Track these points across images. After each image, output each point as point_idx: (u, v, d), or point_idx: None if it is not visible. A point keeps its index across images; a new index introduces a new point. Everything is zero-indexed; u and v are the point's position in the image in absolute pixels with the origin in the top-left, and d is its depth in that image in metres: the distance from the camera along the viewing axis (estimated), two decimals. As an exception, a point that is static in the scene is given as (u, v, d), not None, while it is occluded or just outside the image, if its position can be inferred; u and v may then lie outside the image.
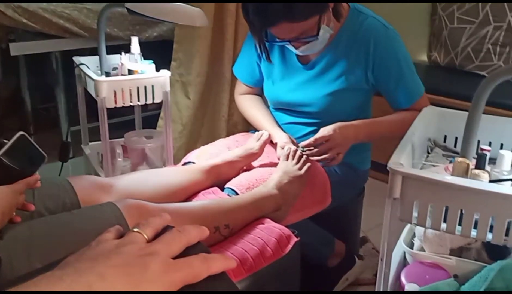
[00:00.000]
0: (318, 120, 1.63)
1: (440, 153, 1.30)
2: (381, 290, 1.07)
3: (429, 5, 2.87)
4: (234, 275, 1.10)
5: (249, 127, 1.83)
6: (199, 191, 1.41)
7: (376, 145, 1.80)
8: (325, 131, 1.45)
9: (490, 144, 1.27)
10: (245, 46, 1.76)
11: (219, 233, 1.19)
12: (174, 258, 0.57)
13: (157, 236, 0.60)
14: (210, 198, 1.37)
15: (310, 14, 1.37)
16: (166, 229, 0.62)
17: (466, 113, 1.04)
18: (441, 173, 1.10)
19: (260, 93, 1.81)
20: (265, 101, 1.81)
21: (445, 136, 1.33)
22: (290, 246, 1.24)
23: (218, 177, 1.46)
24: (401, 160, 0.99)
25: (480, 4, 2.57)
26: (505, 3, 2.49)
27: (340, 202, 1.69)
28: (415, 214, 0.98)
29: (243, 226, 1.26)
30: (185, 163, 1.58)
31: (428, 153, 1.31)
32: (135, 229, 0.59)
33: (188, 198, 1.39)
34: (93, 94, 1.66)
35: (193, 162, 1.54)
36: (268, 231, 1.25)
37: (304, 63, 1.61)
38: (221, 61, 2.44)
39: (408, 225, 1.38)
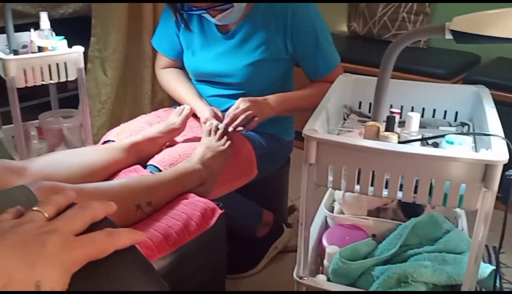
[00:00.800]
0: (241, 91, 1.63)
1: (355, 119, 1.34)
2: (302, 255, 1.10)
3: (347, -24, 2.92)
4: (158, 251, 1.09)
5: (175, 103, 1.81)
6: (120, 170, 1.37)
7: (298, 115, 1.83)
8: (239, 101, 1.46)
9: (402, 108, 1.33)
10: (163, 17, 1.72)
11: (141, 211, 1.17)
12: (79, 235, 0.55)
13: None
14: (131, 177, 1.34)
15: None
16: (70, 207, 0.60)
17: (377, 79, 1.07)
18: (355, 137, 1.14)
19: (182, 66, 1.78)
20: (187, 75, 1.78)
21: (360, 102, 1.37)
22: (214, 219, 1.24)
23: (140, 155, 1.43)
24: (316, 127, 1.01)
25: (393, -26, 2.65)
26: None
27: (267, 173, 1.71)
28: (330, 178, 1.01)
29: (167, 203, 1.25)
30: (104, 142, 1.53)
31: (345, 119, 1.35)
32: (35, 208, 0.56)
33: (109, 178, 1.35)
34: (2, 74, 1.57)
35: (113, 141, 1.50)
36: (192, 206, 1.24)
37: (224, 33, 1.60)
38: (140, 35, 2.37)
39: (329, 190, 1.43)
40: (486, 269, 1.13)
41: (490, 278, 1.13)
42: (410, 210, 1.34)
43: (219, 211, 1.25)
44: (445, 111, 1.31)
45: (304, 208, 1.06)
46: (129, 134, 1.51)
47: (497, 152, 0.90)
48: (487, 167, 0.89)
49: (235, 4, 1.42)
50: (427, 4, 2.61)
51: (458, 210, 1.36)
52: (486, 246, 2.00)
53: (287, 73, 1.68)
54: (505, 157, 0.88)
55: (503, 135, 0.97)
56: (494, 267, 1.12)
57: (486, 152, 0.93)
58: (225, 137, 1.45)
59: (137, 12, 2.32)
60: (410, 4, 2.63)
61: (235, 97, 1.62)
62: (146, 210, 1.18)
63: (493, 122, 1.04)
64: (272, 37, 1.55)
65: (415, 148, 0.96)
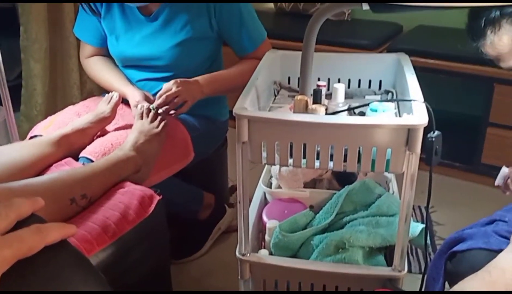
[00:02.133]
0: (170, 73, 1.61)
1: (286, 95, 1.36)
2: (243, 232, 1.12)
3: (270, -46, 2.93)
4: (97, 244, 1.07)
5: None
6: (51, 165, 1.33)
7: (232, 95, 1.83)
8: (168, 84, 1.45)
9: (329, 80, 1.36)
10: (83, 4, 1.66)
11: (76, 205, 1.14)
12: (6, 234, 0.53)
13: None
14: (63, 170, 1.30)
15: None
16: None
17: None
18: (286, 112, 1.16)
19: (107, 53, 1.73)
20: (114, 61, 1.73)
21: (289, 78, 1.40)
22: (153, 206, 1.23)
23: (70, 147, 1.39)
24: (246, 105, 1.02)
25: None
26: None
27: (204, 155, 1.71)
28: (264, 154, 1.02)
29: (103, 194, 1.22)
30: (32, 137, 1.47)
31: (275, 95, 1.37)
32: (-46, 212, 0.54)
33: (40, 174, 1.30)
34: None
35: (41, 135, 1.45)
36: (129, 195, 1.22)
37: (147, 15, 1.57)
38: (62, 25, 2.28)
39: (266, 167, 1.45)
40: (417, 228, 1.20)
41: (421, 236, 1.20)
42: (344, 178, 1.39)
43: (157, 198, 1.24)
44: (370, 81, 1.36)
45: (241, 186, 1.07)
46: (58, 126, 1.47)
47: (417, 116, 0.95)
48: (410, 131, 0.94)
49: None
50: (349, -23, 2.66)
51: (388, 174, 1.42)
52: (419, 206, 2.12)
53: (215, 52, 1.67)
54: (425, 120, 0.93)
55: (422, 100, 1.01)
56: (424, 226, 1.18)
57: (408, 117, 0.98)
58: (159, 119, 1.43)
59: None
60: (333, -23, 2.67)
61: (164, 79, 1.59)
62: (81, 203, 1.15)
63: (413, 88, 1.09)
64: (196, 15, 1.54)
65: (341, 118, 0.99)
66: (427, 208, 1.09)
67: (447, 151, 2.47)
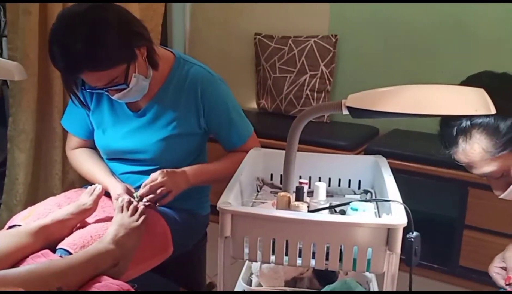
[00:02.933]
0: (154, 166, 1.63)
1: (268, 191, 1.39)
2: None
3: (253, 57, 3.10)
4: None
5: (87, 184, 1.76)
6: (28, 256, 1.30)
7: (213, 189, 1.85)
8: (155, 175, 1.47)
9: (310, 179, 1.40)
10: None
11: (50, 298, 1.11)
12: None
13: None
14: (39, 262, 1.27)
15: (115, 63, 1.39)
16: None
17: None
18: (269, 208, 1.18)
19: (93, 145, 1.76)
20: (99, 154, 1.75)
21: (272, 174, 1.43)
22: (130, 301, 1.20)
23: (49, 238, 1.37)
24: (230, 200, 1.04)
25: (296, 55, 2.85)
26: (318, 55, 2.80)
27: (183, 249, 1.69)
28: (246, 250, 1.03)
29: (79, 287, 1.19)
30: (10, 227, 1.45)
31: (258, 191, 1.39)
32: None
33: (15, 265, 1.27)
34: None
35: (19, 225, 1.43)
36: (106, 289, 1.19)
37: (135, 111, 1.62)
38: (50, 115, 2.32)
39: (246, 263, 1.44)
40: (398, 330, 1.18)
41: (402, 338, 1.18)
42: (324, 277, 1.38)
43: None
44: (349, 180, 1.40)
45: (221, 283, 1.07)
46: (37, 217, 1.45)
47: (396, 216, 0.98)
48: (389, 231, 0.96)
49: (130, 84, 1.45)
50: (327, 82, 2.81)
51: (368, 274, 1.42)
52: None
53: (200, 146, 1.71)
54: (404, 221, 0.96)
55: (401, 201, 1.05)
56: (405, 328, 1.17)
57: (387, 217, 1.00)
58: (139, 212, 1.43)
59: (47, 92, 2.29)
60: (313, 82, 2.82)
61: (148, 173, 1.61)
62: (56, 297, 1.12)
63: (391, 189, 1.13)
64: (184, 114, 1.59)
65: (323, 216, 1.01)
66: (407, 309, 1.08)
67: (425, 253, 2.47)
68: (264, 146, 1.58)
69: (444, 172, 2.16)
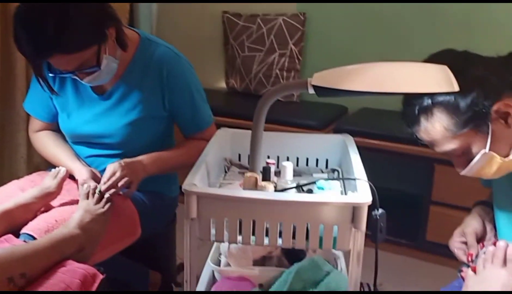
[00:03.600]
0: (121, 150, 1.60)
1: (236, 171, 1.38)
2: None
3: (222, 36, 3.06)
4: (35, 326, 1.02)
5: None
6: (-11, 242, 1.27)
7: (182, 171, 1.84)
8: (111, 166, 1.44)
9: (278, 158, 1.40)
10: (34, 80, 1.66)
11: (13, 285, 1.09)
12: None
13: None
14: (2, 248, 1.24)
15: (85, 46, 1.35)
16: None
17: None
18: (236, 189, 1.17)
19: (57, 128, 1.71)
20: (63, 136, 1.71)
21: (239, 155, 1.42)
22: (96, 285, 1.19)
23: (12, 223, 1.33)
24: (195, 181, 1.03)
25: (265, 34, 2.83)
26: (287, 33, 2.79)
27: (151, 231, 1.68)
28: (213, 231, 1.02)
29: (43, 272, 1.17)
30: (-29, 213, 1.41)
31: (226, 172, 1.39)
32: None
33: (-24, 251, 1.24)
34: None
35: (-20, 210, 1.38)
36: (71, 273, 1.17)
37: (100, 94, 1.58)
38: (12, 98, 2.26)
39: (215, 244, 1.43)
40: (365, 305, 1.20)
41: (368, 313, 1.20)
42: (293, 255, 1.39)
43: (100, 276, 1.20)
44: (317, 159, 1.41)
45: (188, 264, 1.06)
46: (0, 201, 1.41)
47: (361, 194, 0.98)
48: (355, 208, 0.97)
49: (101, 66, 1.41)
50: (296, 61, 2.81)
51: (336, 251, 1.44)
52: (367, 284, 2.12)
53: (167, 131, 1.68)
54: (368, 198, 0.96)
55: (366, 179, 1.06)
56: (372, 303, 1.19)
57: (353, 195, 1.01)
58: (105, 199, 1.40)
59: (9, 74, 2.22)
60: (282, 61, 2.81)
61: (114, 157, 1.58)
62: (20, 283, 1.10)
63: (357, 167, 1.14)
64: (149, 95, 1.56)
65: (289, 195, 1.01)
66: (374, 285, 1.10)
67: (393, 229, 2.53)
68: (233, 126, 1.57)
69: (411, 149, 2.18)
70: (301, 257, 1.37)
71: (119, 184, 1.43)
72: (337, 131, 2.36)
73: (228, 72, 3.05)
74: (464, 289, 1.07)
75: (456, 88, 0.93)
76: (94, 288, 1.17)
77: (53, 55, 1.33)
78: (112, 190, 1.42)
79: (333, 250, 1.42)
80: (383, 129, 2.33)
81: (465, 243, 1.21)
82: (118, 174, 1.43)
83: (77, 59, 1.36)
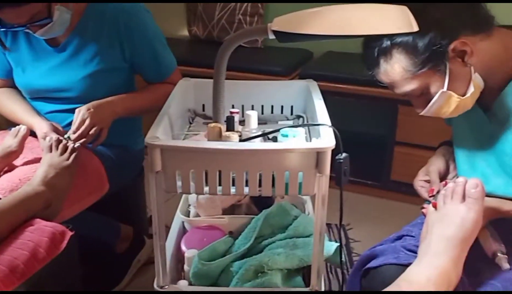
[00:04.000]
0: (80, 104, 1.56)
1: (201, 122, 1.37)
2: (160, 265, 1.10)
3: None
4: (5, 285, 1.02)
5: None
6: (-48, 204, 1.24)
7: (146, 123, 1.81)
8: (80, 113, 1.41)
9: (243, 107, 1.39)
10: None
11: (-20, 244, 1.08)
12: None
13: None
14: (-35, 210, 1.22)
15: None
16: None
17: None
18: (201, 140, 1.16)
19: (13, 85, 1.65)
20: (21, 93, 1.65)
21: (203, 105, 1.41)
22: (65, 243, 1.19)
23: (-27, 185, 1.30)
24: (158, 134, 1.02)
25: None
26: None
27: (119, 185, 1.67)
28: (179, 183, 1.02)
29: (10, 232, 1.16)
30: None
31: (190, 123, 1.37)
32: None
33: None
34: None
35: None
36: (39, 232, 1.16)
37: (54, 46, 1.52)
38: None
39: (184, 195, 1.44)
40: (332, 246, 1.24)
41: (336, 254, 1.24)
42: (261, 203, 1.41)
43: (69, 234, 1.20)
44: (282, 106, 1.40)
45: (156, 217, 1.06)
46: (-43, 164, 1.37)
47: (325, 139, 0.99)
48: (318, 154, 0.98)
49: (54, 18, 1.35)
50: (259, 5, 2.74)
51: (304, 196, 1.46)
52: (336, 225, 2.18)
53: (128, 82, 1.65)
54: (331, 143, 0.97)
55: (330, 124, 1.06)
56: (338, 244, 1.23)
57: (316, 141, 1.02)
58: (69, 150, 1.37)
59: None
60: (244, 6, 2.75)
61: (74, 111, 1.55)
62: (-14, 242, 1.08)
63: (321, 112, 1.14)
64: (107, 46, 1.52)
65: (254, 144, 1.01)
66: (340, 226, 1.13)
67: (359, 170, 2.60)
68: (197, 75, 1.53)
69: (375, 91, 2.20)
70: (269, 203, 1.39)
71: (90, 133, 1.40)
72: (302, 76, 2.35)
73: (190, 19, 2.96)
74: (425, 224, 1.11)
75: (415, 28, 0.93)
76: (63, 246, 1.17)
77: (3, 8, 1.27)
78: (83, 140, 1.39)
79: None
80: (348, 73, 2.33)
81: (429, 181, 1.25)
82: (87, 122, 1.40)
83: (28, 12, 1.31)
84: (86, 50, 1.51)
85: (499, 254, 1.09)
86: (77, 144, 1.38)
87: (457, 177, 1.15)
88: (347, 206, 2.27)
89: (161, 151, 0.99)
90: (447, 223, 1.04)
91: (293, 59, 2.59)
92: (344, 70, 2.34)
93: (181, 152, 0.99)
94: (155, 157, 0.98)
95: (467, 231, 1.02)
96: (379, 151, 2.41)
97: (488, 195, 1.12)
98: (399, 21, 0.90)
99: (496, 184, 1.13)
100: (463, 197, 1.05)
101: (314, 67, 2.51)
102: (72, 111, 1.56)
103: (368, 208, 2.36)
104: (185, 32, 3.04)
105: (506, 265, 1.07)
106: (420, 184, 1.26)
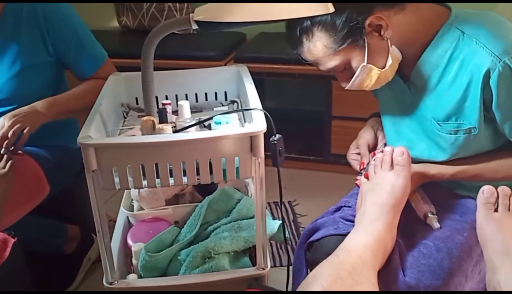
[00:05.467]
0: (12, 106, 1.52)
1: (135, 116, 1.36)
2: (107, 261, 1.10)
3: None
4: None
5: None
6: None
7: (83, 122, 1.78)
8: (2, 122, 1.37)
9: (176, 97, 1.39)
10: None
11: None
12: None
13: None
14: None
15: None
16: None
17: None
18: (136, 134, 1.17)
19: None
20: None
21: (137, 98, 1.40)
22: (8, 250, 1.17)
23: None
24: (90, 133, 1.01)
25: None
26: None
27: (61, 186, 1.65)
28: (116, 179, 1.02)
29: None
30: None
31: (125, 117, 1.37)
32: None
33: None
34: None
35: None
36: (-21, 242, 1.14)
37: None
38: None
39: (126, 191, 1.44)
40: (275, 224, 1.28)
41: (280, 231, 1.28)
42: (205, 189, 1.43)
43: (11, 241, 1.18)
44: (216, 93, 1.42)
45: (97, 215, 1.06)
46: None
47: (257, 124, 1.02)
48: (252, 138, 1.00)
49: None
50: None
51: (247, 179, 1.49)
52: (280, 202, 2.24)
53: (58, 77, 1.61)
54: (263, 127, 1.00)
55: (261, 107, 1.09)
56: (281, 222, 1.27)
57: (248, 125, 1.04)
58: (4, 159, 1.34)
59: None
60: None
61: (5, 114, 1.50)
62: None
63: (252, 96, 1.16)
64: (29, 42, 1.48)
65: (187, 134, 1.03)
66: (280, 204, 1.17)
67: (302, 147, 2.64)
68: (131, 67, 1.50)
69: (309, 69, 2.23)
70: (213, 189, 1.41)
71: (10, 133, 1.35)
72: (237, 59, 2.37)
73: (119, 9, 2.90)
74: (359, 195, 1.17)
75: (331, 10, 0.97)
76: (7, 254, 1.16)
77: None
78: (6, 143, 1.34)
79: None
80: (282, 53, 2.36)
81: (360, 154, 1.30)
82: (6, 124, 1.35)
83: None
84: (9, 50, 1.47)
85: (429, 215, 1.16)
86: (2, 151, 1.34)
87: (385, 146, 1.22)
88: (293, 183, 2.33)
89: (95, 149, 0.98)
90: (379, 191, 1.10)
91: (226, 43, 2.59)
92: (278, 51, 2.37)
93: (115, 148, 0.99)
94: (89, 156, 0.98)
95: (398, 197, 1.08)
96: (318, 126, 2.48)
97: (415, 160, 1.20)
98: (316, 4, 0.93)
99: (421, 149, 1.20)
100: (392, 165, 1.12)
101: (248, 49, 2.53)
102: (2, 114, 1.52)
103: (312, 183, 2.43)
104: (116, 24, 2.98)
105: (436, 225, 1.15)
106: (352, 157, 1.31)
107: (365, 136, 1.32)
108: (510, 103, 1.04)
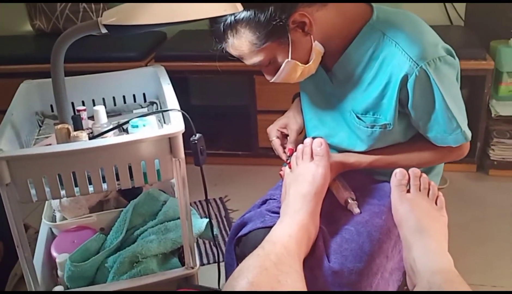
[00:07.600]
0: None
1: (51, 124, 1.32)
2: (30, 276, 1.07)
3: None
4: None
5: None
6: None
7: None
8: None
9: (94, 102, 1.36)
10: None
11: None
12: None
13: None
14: None
15: None
16: None
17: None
18: (52, 143, 1.13)
19: None
20: None
21: (52, 106, 1.36)
22: None
23: None
24: (1, 145, 0.97)
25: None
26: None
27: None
28: (33, 191, 0.99)
29: None
30: None
31: (40, 126, 1.32)
32: None
33: None
34: None
35: None
36: None
37: None
38: None
39: (47, 201, 1.39)
40: (203, 223, 1.28)
41: (208, 229, 1.29)
42: (130, 194, 1.41)
43: None
44: (134, 95, 1.40)
45: (15, 230, 1.03)
46: None
47: (174, 125, 1.02)
48: (171, 139, 1.00)
49: None
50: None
51: (172, 180, 1.49)
52: (214, 199, 2.24)
53: None
54: (181, 128, 1.00)
55: (178, 108, 1.09)
56: (208, 220, 1.28)
57: (166, 127, 1.04)
58: None
59: None
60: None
61: None
62: None
63: (169, 97, 1.16)
64: None
65: (102, 140, 1.01)
66: (206, 201, 1.17)
67: (230, 142, 2.65)
68: (46, 72, 1.44)
69: (230, 65, 2.23)
70: (138, 193, 1.40)
71: None
72: (158, 59, 2.34)
73: (31, 12, 2.77)
74: (283, 186, 1.20)
75: (240, 8, 0.98)
76: None
77: None
78: None
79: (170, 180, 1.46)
80: (203, 50, 2.34)
81: (284, 134, 1.34)
82: None
83: None
84: None
85: (350, 201, 1.21)
86: None
87: (305, 137, 1.25)
88: (223, 179, 2.34)
89: (7, 162, 0.95)
90: (301, 182, 1.13)
91: (146, 42, 2.55)
92: (198, 48, 2.36)
93: (28, 160, 0.96)
94: (2, 169, 0.94)
95: (319, 186, 1.12)
96: (245, 122, 2.50)
97: (336, 148, 1.24)
98: (224, 4, 0.94)
99: (341, 137, 1.25)
100: (312, 156, 1.15)
101: (169, 48, 2.50)
102: None
103: (242, 178, 2.45)
104: (29, 27, 2.84)
105: (356, 210, 1.20)
106: (277, 143, 1.33)
107: (297, 121, 1.35)
108: (424, 103, 1.11)
